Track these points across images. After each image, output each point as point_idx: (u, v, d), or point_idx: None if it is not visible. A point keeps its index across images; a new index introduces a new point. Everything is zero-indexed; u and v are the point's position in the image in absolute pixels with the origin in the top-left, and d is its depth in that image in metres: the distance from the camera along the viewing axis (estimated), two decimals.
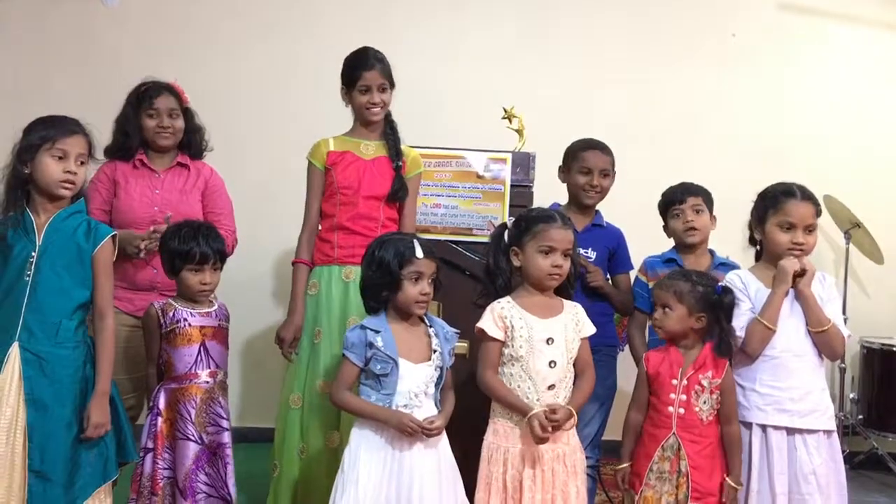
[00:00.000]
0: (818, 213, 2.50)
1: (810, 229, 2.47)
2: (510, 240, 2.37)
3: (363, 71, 2.73)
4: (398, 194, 2.76)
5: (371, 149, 2.80)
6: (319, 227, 2.81)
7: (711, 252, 2.93)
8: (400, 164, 2.77)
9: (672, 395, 2.39)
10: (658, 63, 4.40)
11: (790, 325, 2.45)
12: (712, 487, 2.36)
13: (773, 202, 2.49)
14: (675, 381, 2.40)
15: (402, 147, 2.82)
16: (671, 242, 2.98)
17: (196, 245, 2.49)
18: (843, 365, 4.23)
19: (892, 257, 4.26)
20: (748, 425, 2.45)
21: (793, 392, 2.42)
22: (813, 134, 4.46)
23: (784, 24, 4.47)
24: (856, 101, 4.51)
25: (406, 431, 2.19)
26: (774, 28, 4.48)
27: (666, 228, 2.96)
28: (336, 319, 2.68)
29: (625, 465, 2.46)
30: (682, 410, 2.38)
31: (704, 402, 2.39)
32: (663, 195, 2.97)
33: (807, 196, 2.48)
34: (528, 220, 2.36)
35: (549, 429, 2.21)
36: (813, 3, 4.47)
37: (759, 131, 4.43)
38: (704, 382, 2.39)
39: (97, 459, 2.25)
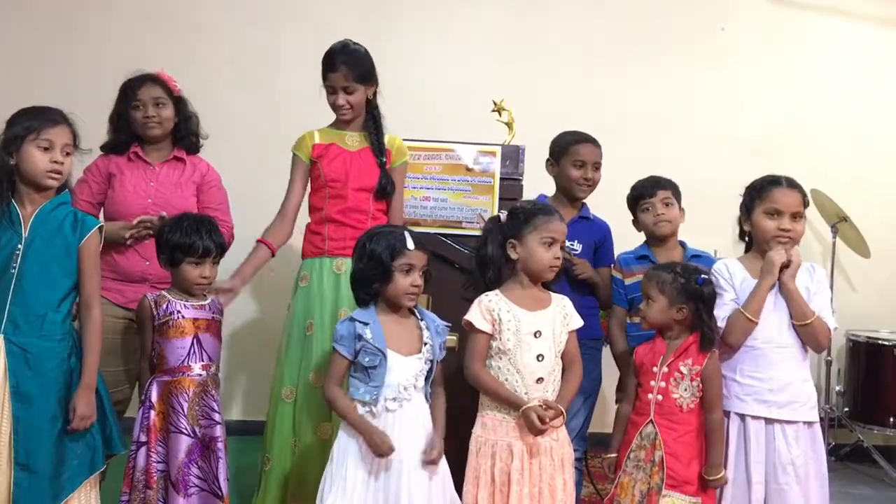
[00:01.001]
0: (805, 203, 2.52)
1: (797, 216, 2.48)
2: (508, 232, 2.36)
3: (327, 72, 2.73)
4: (386, 190, 2.76)
5: (356, 140, 2.80)
6: (308, 221, 2.81)
7: (682, 244, 2.93)
8: (384, 160, 2.76)
9: (652, 383, 2.42)
10: (647, 56, 4.41)
11: (774, 317, 2.46)
12: (690, 476, 2.36)
13: (759, 192, 2.51)
14: (655, 369, 2.43)
15: (387, 136, 2.81)
16: None
17: (199, 238, 2.47)
18: (829, 358, 4.26)
19: (879, 251, 4.29)
20: (726, 414, 2.46)
21: (772, 383, 2.43)
22: (801, 128, 4.48)
23: (774, 19, 4.49)
24: (844, 96, 4.54)
25: (379, 453, 2.18)
26: (764, 22, 4.49)
27: (635, 223, 2.97)
28: (328, 312, 2.67)
29: (612, 454, 2.50)
30: (660, 397, 2.40)
31: (685, 390, 2.40)
32: (632, 189, 2.96)
33: (793, 185, 2.51)
34: (527, 213, 2.36)
35: (547, 420, 2.23)
36: None
37: (747, 125, 4.45)
38: (684, 370, 2.41)
39: (84, 451, 2.24)
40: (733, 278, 2.51)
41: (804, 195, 2.52)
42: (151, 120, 2.84)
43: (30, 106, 2.27)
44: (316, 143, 2.78)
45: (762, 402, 2.42)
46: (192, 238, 2.46)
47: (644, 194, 2.89)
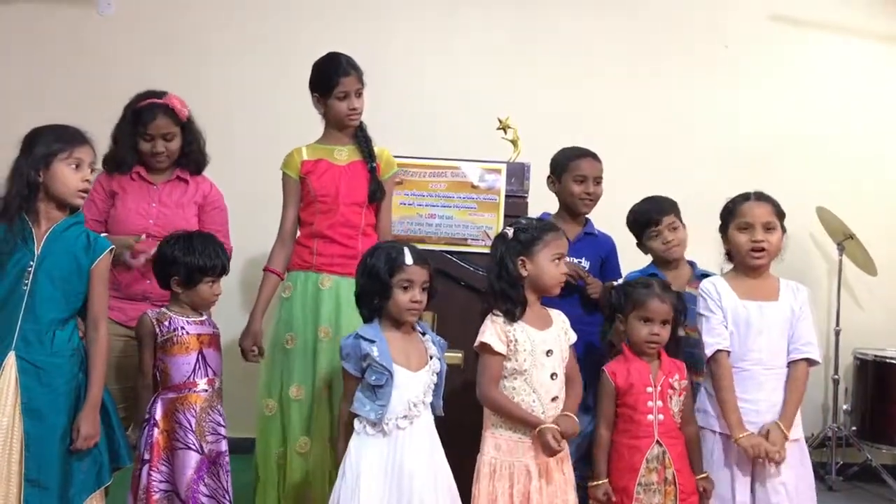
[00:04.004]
0: (780, 215, 2.54)
1: (769, 227, 2.51)
2: (517, 249, 2.34)
3: (340, 77, 2.72)
4: (375, 195, 2.76)
5: (344, 154, 2.79)
6: (298, 234, 2.81)
7: (691, 264, 2.94)
8: (374, 165, 2.77)
9: (650, 403, 2.40)
10: (650, 71, 4.42)
11: (763, 340, 2.48)
12: (693, 486, 2.40)
13: (731, 210, 2.57)
14: (650, 389, 2.41)
15: (375, 149, 2.81)
16: None
17: (218, 258, 2.54)
18: (836, 376, 4.24)
19: (885, 269, 4.27)
20: (712, 433, 2.49)
21: (759, 405, 2.46)
22: (805, 145, 4.48)
23: (776, 35, 4.50)
24: (848, 113, 4.53)
25: None
26: (765, 37, 4.51)
27: (640, 245, 2.97)
28: (309, 324, 2.67)
29: (603, 481, 2.42)
30: (661, 416, 2.40)
31: (675, 405, 2.43)
32: (635, 214, 2.96)
33: (761, 197, 2.55)
34: (535, 230, 2.36)
35: (562, 440, 2.24)
36: (804, 15, 4.50)
37: (752, 142, 4.44)
38: (676, 385, 2.43)
39: (91, 466, 2.24)
40: (722, 300, 2.52)
41: (776, 207, 2.55)
42: (161, 155, 2.84)
43: (50, 124, 2.28)
44: (304, 160, 2.78)
45: (749, 424, 2.43)
46: (212, 259, 2.52)
47: (650, 221, 2.89)
